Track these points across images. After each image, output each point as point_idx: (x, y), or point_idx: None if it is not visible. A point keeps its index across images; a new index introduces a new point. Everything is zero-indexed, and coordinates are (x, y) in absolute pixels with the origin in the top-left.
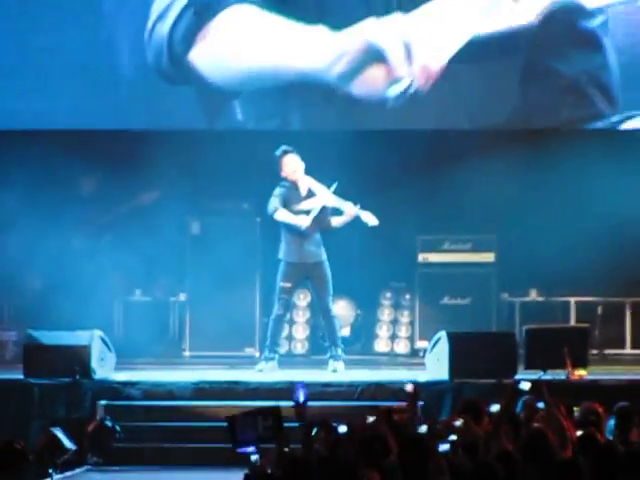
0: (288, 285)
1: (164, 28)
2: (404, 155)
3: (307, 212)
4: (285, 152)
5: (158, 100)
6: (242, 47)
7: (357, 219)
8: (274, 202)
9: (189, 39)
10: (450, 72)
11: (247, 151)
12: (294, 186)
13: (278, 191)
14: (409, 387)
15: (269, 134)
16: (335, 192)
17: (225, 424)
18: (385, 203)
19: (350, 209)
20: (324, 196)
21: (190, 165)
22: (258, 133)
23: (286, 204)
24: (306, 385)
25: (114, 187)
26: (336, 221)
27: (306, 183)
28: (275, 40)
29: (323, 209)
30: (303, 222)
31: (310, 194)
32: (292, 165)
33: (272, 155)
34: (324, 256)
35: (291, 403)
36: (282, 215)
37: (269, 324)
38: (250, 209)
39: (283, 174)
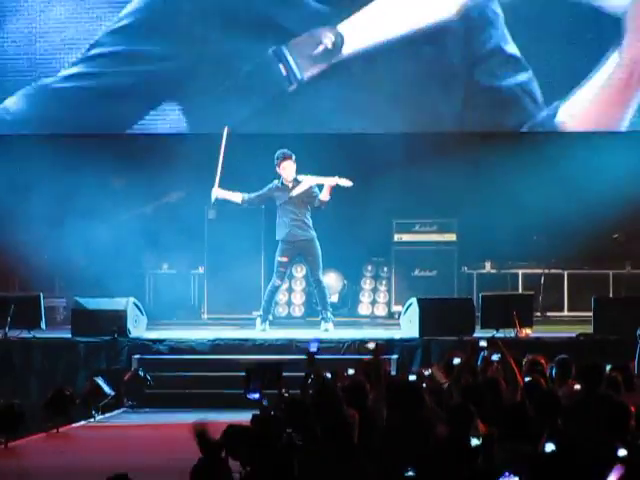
0: (284, 259)
1: None
2: (383, 155)
3: (299, 196)
4: (284, 157)
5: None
6: None
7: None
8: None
9: None
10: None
11: (251, 152)
12: (284, 182)
13: (268, 186)
14: (371, 344)
15: (268, 137)
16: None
17: (237, 374)
18: (368, 194)
19: (329, 180)
20: (307, 179)
21: (208, 164)
22: (259, 136)
23: (272, 196)
24: (320, 340)
25: (148, 181)
26: (323, 195)
27: (292, 178)
28: None
29: (310, 190)
30: (213, 191)
31: (296, 183)
32: (287, 170)
33: (272, 155)
34: (313, 234)
35: (290, 356)
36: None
37: (266, 291)
38: None
39: (278, 171)
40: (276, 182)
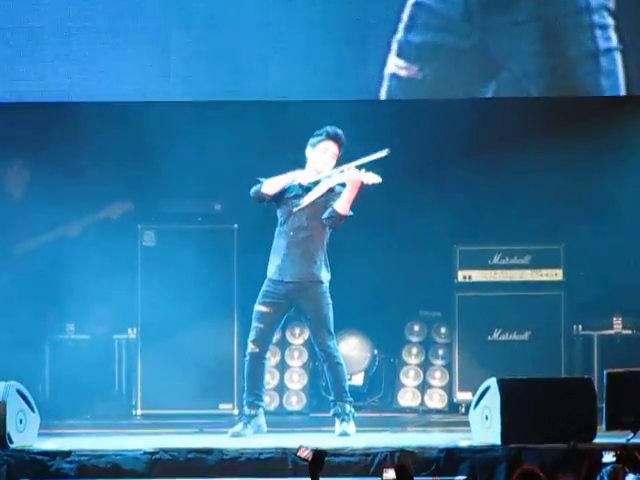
0: (264, 309)
1: None
2: (438, 133)
3: (312, 206)
4: (327, 136)
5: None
6: None
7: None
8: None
9: None
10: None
11: (223, 129)
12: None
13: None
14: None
15: (255, 105)
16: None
17: None
18: (413, 199)
19: (351, 174)
20: (327, 179)
21: (141, 151)
22: (239, 104)
23: (282, 205)
24: None
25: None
26: (340, 204)
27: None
28: None
29: (332, 196)
30: (302, 176)
31: (314, 186)
32: (324, 157)
33: (259, 136)
34: (320, 275)
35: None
36: (270, 183)
37: (245, 368)
38: (224, 213)
39: (310, 156)
40: None
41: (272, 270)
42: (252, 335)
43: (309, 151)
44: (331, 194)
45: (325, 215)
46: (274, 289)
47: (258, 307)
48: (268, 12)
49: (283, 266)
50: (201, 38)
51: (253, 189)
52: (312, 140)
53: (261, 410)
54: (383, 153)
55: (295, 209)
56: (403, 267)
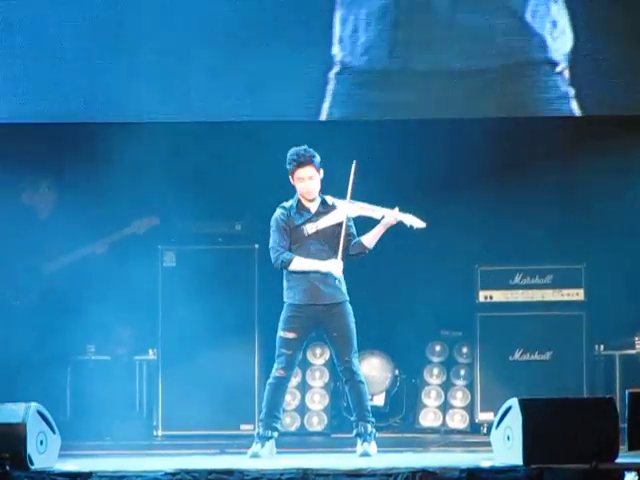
0: (291, 335)
1: None
2: (458, 151)
3: (327, 232)
4: (298, 162)
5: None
6: None
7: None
8: (274, 246)
9: None
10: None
11: (243, 149)
12: (299, 205)
13: (274, 224)
14: None
15: (273, 124)
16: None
17: None
18: (433, 218)
19: (388, 214)
20: (345, 206)
21: (161, 171)
22: (256, 123)
23: (292, 234)
24: None
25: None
26: (369, 238)
27: (314, 197)
28: None
29: (347, 225)
30: (335, 267)
31: (325, 208)
32: (307, 183)
33: (277, 153)
34: (345, 296)
35: None
36: (299, 264)
37: (266, 389)
38: (245, 233)
39: (293, 184)
40: (286, 207)
41: (297, 296)
42: (281, 362)
43: (292, 179)
44: (346, 224)
45: (352, 252)
46: (300, 313)
47: (285, 334)
48: (285, 32)
49: (312, 289)
50: (220, 57)
51: (280, 259)
52: (288, 167)
53: (276, 433)
54: (352, 166)
55: (314, 228)
56: (424, 287)
